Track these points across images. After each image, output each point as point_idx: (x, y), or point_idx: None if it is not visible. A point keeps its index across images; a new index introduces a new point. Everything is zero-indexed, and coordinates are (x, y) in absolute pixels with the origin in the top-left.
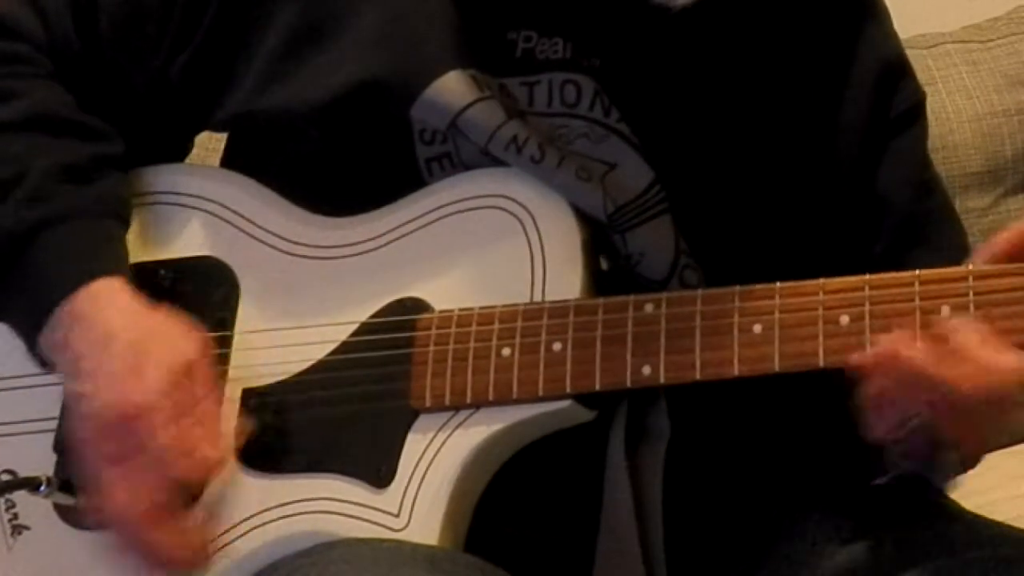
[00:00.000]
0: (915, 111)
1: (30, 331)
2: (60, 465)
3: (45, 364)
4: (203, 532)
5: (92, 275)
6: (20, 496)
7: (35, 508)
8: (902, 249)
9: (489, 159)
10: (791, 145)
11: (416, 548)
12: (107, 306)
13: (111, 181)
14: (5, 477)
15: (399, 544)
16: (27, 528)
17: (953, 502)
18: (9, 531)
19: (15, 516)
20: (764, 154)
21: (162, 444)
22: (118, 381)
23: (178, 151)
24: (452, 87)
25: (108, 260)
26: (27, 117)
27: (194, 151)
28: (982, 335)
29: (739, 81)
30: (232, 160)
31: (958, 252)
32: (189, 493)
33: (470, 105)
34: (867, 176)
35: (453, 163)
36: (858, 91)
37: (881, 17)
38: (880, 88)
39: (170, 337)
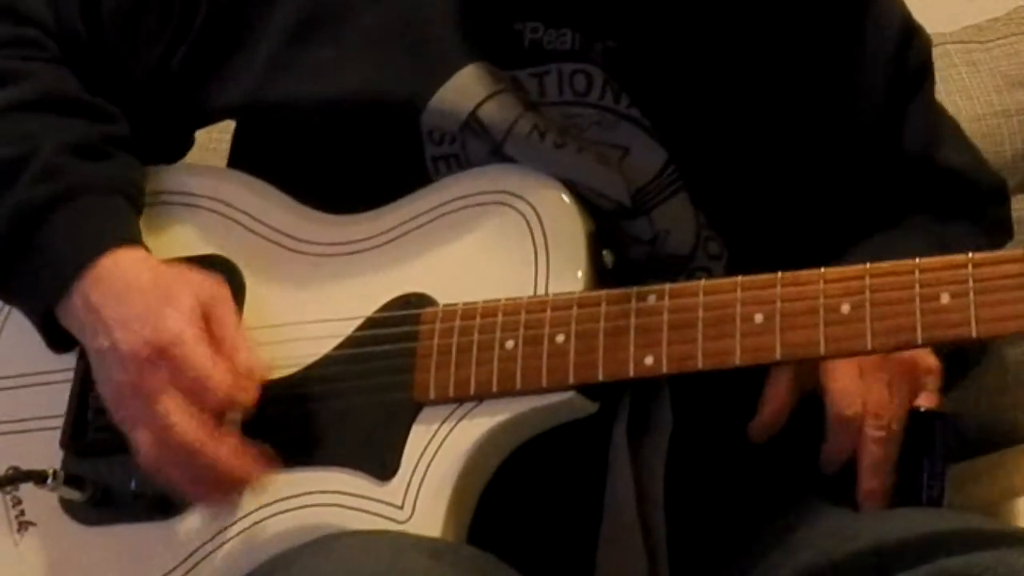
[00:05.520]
0: (926, 67)
1: (45, 308)
2: (66, 461)
3: (55, 346)
4: (249, 446)
5: (111, 244)
6: (26, 492)
7: (41, 504)
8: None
9: (497, 159)
10: (803, 117)
11: (419, 539)
12: (129, 267)
13: (121, 161)
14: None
15: (402, 536)
16: (33, 524)
17: (952, 501)
18: (16, 527)
19: (22, 512)
20: (776, 127)
21: (200, 364)
22: (146, 319)
23: (180, 145)
24: (464, 86)
25: (125, 231)
26: (38, 97)
27: (194, 151)
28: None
29: (748, 55)
30: (238, 158)
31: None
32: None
33: (484, 102)
34: (888, 140)
35: (460, 163)
36: (875, 60)
37: None
38: (899, 54)
39: (190, 278)
